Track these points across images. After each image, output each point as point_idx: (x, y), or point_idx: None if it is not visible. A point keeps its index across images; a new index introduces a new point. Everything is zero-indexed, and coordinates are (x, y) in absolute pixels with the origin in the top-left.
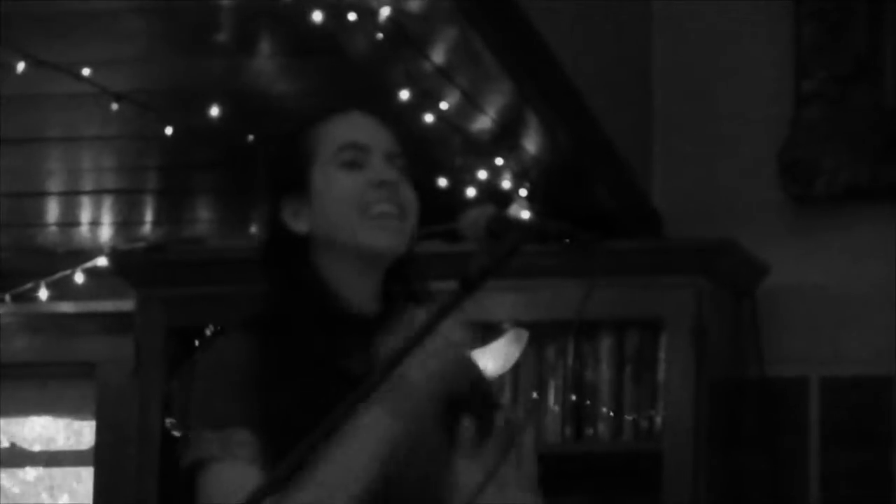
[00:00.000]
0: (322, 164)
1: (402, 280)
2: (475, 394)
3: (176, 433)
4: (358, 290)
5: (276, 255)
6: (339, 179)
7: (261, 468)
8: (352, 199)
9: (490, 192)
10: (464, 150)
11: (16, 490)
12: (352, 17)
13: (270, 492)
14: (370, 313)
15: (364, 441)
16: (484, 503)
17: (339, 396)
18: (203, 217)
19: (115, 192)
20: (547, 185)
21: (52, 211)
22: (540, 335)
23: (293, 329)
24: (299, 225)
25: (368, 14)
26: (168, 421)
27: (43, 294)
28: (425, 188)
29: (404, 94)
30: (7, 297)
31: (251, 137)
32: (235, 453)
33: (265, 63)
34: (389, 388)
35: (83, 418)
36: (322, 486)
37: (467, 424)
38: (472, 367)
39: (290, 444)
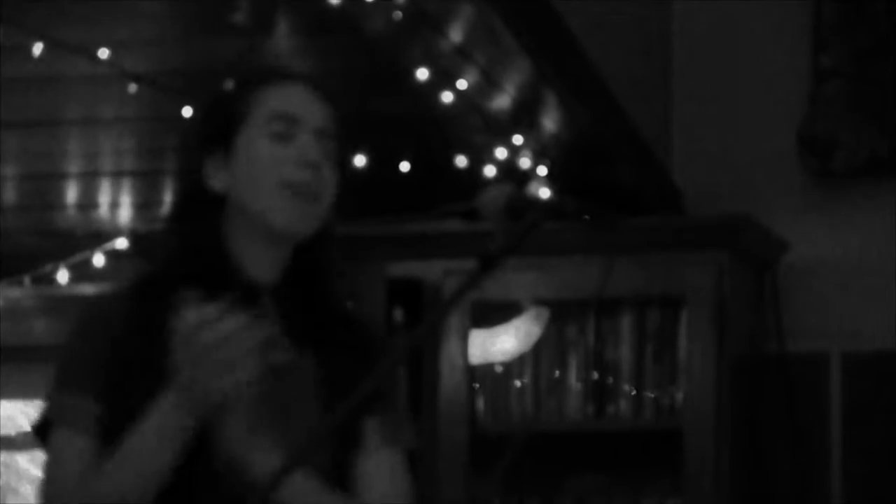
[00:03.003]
0: (250, 128)
1: (310, 257)
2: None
3: None
4: (257, 259)
5: (187, 210)
6: (263, 149)
7: (98, 438)
8: (272, 172)
9: (509, 170)
10: (482, 128)
11: (37, 473)
12: None
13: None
14: (266, 283)
15: (154, 435)
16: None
17: None
18: None
19: (134, 174)
20: (566, 163)
21: (72, 193)
22: (560, 313)
23: (173, 291)
24: (216, 184)
25: None
26: None
27: (63, 276)
28: (444, 167)
29: (422, 74)
30: (27, 280)
31: None
32: (70, 419)
33: (283, 43)
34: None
35: None
36: (114, 478)
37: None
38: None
39: (131, 415)
